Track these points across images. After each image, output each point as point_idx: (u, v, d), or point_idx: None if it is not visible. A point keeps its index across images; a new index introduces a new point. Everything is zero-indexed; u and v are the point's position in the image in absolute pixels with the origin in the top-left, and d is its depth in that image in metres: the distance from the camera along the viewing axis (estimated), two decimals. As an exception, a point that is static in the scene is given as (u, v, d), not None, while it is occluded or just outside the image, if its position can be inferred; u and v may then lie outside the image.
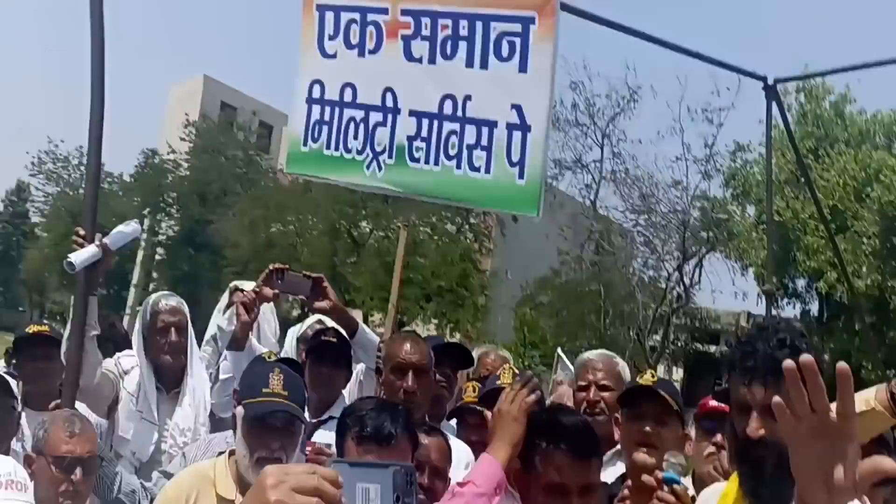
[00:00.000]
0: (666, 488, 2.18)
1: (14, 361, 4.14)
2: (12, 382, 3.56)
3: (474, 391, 3.46)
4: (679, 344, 21.18)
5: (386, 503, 1.24)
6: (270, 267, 3.66)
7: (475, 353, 4.32)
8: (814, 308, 20.76)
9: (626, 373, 3.44)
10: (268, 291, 3.59)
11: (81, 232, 3.36)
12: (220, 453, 2.99)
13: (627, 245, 21.51)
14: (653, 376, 2.85)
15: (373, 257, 23.18)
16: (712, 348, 19.66)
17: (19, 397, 3.60)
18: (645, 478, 2.29)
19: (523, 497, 2.25)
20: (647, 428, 2.61)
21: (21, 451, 3.36)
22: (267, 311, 4.10)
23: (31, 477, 2.69)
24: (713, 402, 2.83)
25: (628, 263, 21.25)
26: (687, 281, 20.50)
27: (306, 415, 3.02)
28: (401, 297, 21.08)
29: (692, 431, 2.87)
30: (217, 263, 27.40)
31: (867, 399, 2.40)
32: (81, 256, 3.30)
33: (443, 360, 3.49)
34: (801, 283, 20.29)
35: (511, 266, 24.79)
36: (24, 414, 3.66)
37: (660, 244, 20.66)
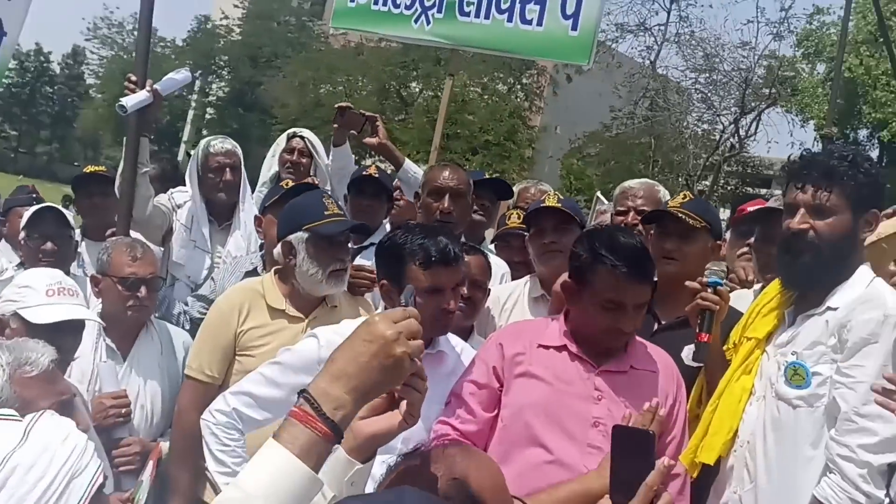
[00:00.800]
0: (710, 290, 2.36)
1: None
2: (68, 214, 3.75)
3: (518, 217, 3.68)
4: (728, 188, 21.66)
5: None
6: (337, 105, 3.98)
7: (516, 188, 4.45)
8: (874, 154, 20.89)
9: (668, 198, 3.44)
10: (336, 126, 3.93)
11: (133, 78, 3.51)
12: (247, 273, 3.25)
13: (683, 102, 21.60)
14: (684, 197, 2.94)
15: (420, 115, 23.20)
16: (762, 191, 19.97)
17: (77, 229, 3.80)
18: (689, 283, 2.40)
19: (570, 303, 2.38)
20: (668, 245, 2.78)
21: (82, 276, 3.61)
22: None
23: (97, 295, 2.91)
24: (749, 207, 3.00)
25: (682, 119, 21.53)
26: (742, 133, 20.86)
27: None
28: (446, 150, 20.93)
29: (727, 236, 3.04)
30: (265, 122, 27.73)
31: None
32: (133, 100, 3.44)
33: (483, 191, 3.65)
34: (863, 133, 20.44)
35: (561, 123, 24.64)
36: (83, 244, 3.89)
37: (718, 100, 20.94)
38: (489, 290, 3.04)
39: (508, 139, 23.01)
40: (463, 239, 3.06)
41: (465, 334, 2.91)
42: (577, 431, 2.27)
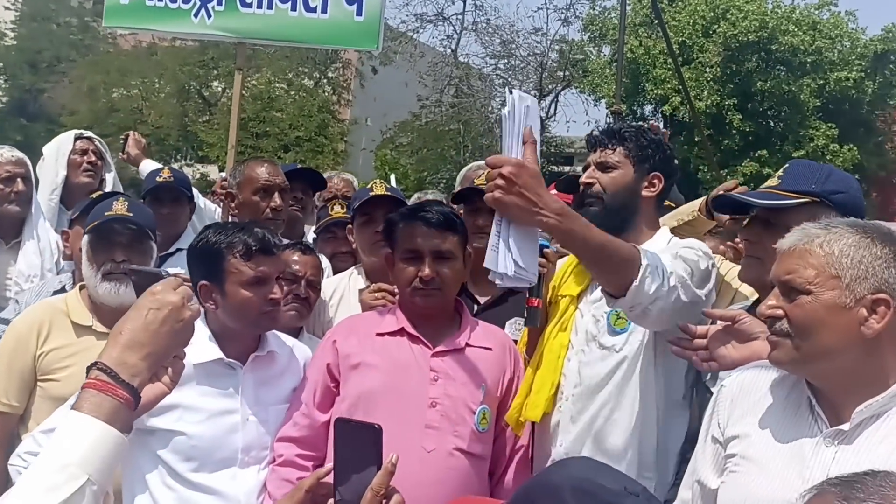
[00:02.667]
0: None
1: None
2: None
3: (342, 208, 3.67)
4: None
5: None
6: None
7: None
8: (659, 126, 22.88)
9: None
10: None
11: None
12: (56, 292, 3.01)
13: (486, 87, 22.40)
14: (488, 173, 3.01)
15: (225, 115, 22.47)
16: (566, 169, 21.28)
17: None
18: None
19: (391, 274, 2.46)
20: (480, 221, 2.88)
21: None
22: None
23: None
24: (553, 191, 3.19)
25: (487, 104, 22.31)
26: (543, 115, 21.86)
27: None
28: (257, 149, 20.37)
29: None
30: (54, 131, 25.68)
31: (692, 210, 2.82)
32: None
33: (296, 183, 3.59)
34: (648, 108, 22.13)
35: (371, 114, 24.70)
36: None
37: (518, 85, 21.90)
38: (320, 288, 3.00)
39: (320, 134, 22.77)
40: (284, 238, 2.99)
41: (296, 331, 2.86)
42: (414, 413, 2.31)
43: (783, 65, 20.32)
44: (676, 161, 2.71)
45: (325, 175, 4.51)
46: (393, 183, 5.40)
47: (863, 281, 1.57)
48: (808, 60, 19.87)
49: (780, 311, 1.64)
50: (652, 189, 2.42)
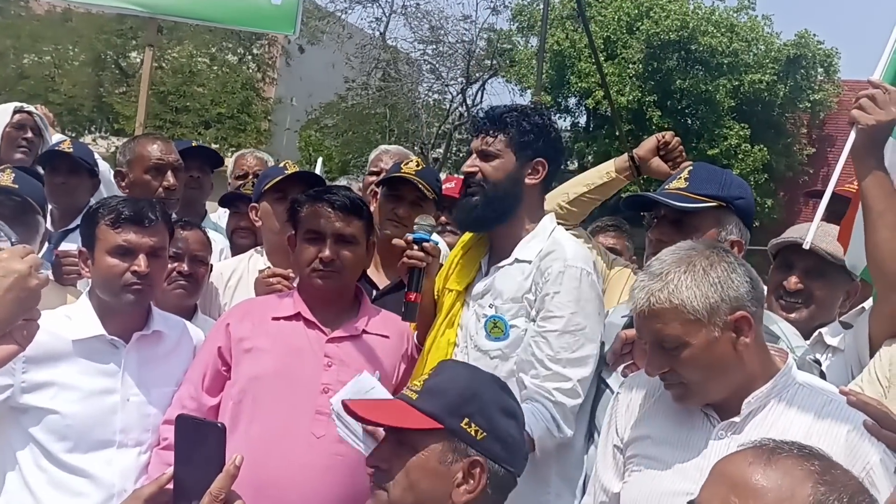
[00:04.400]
0: (416, 247, 2.39)
1: None
2: None
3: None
4: (461, 155, 23.02)
5: None
6: None
7: (232, 157, 4.35)
8: (582, 120, 23.30)
9: None
10: None
11: None
12: None
13: (414, 72, 22.40)
14: (417, 164, 3.01)
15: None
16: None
17: None
18: (395, 241, 2.47)
19: (293, 253, 2.47)
20: (401, 211, 2.90)
21: None
22: None
23: None
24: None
25: (414, 89, 22.28)
26: (469, 102, 22.29)
27: (49, 225, 2.96)
28: (176, 125, 19.68)
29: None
30: (-41, 98, 24.42)
31: (607, 171, 2.75)
32: None
33: (191, 162, 3.54)
34: (572, 101, 22.42)
35: (296, 94, 24.27)
36: None
37: (445, 71, 22.16)
38: (211, 265, 2.95)
39: (242, 112, 22.23)
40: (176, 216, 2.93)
41: (189, 313, 2.81)
42: (305, 399, 2.32)
43: (701, 65, 20.85)
44: (566, 145, 2.73)
45: (239, 153, 4.45)
46: (319, 167, 5.37)
47: (717, 310, 1.69)
48: (725, 62, 20.45)
49: (666, 369, 1.75)
50: (535, 176, 2.41)
